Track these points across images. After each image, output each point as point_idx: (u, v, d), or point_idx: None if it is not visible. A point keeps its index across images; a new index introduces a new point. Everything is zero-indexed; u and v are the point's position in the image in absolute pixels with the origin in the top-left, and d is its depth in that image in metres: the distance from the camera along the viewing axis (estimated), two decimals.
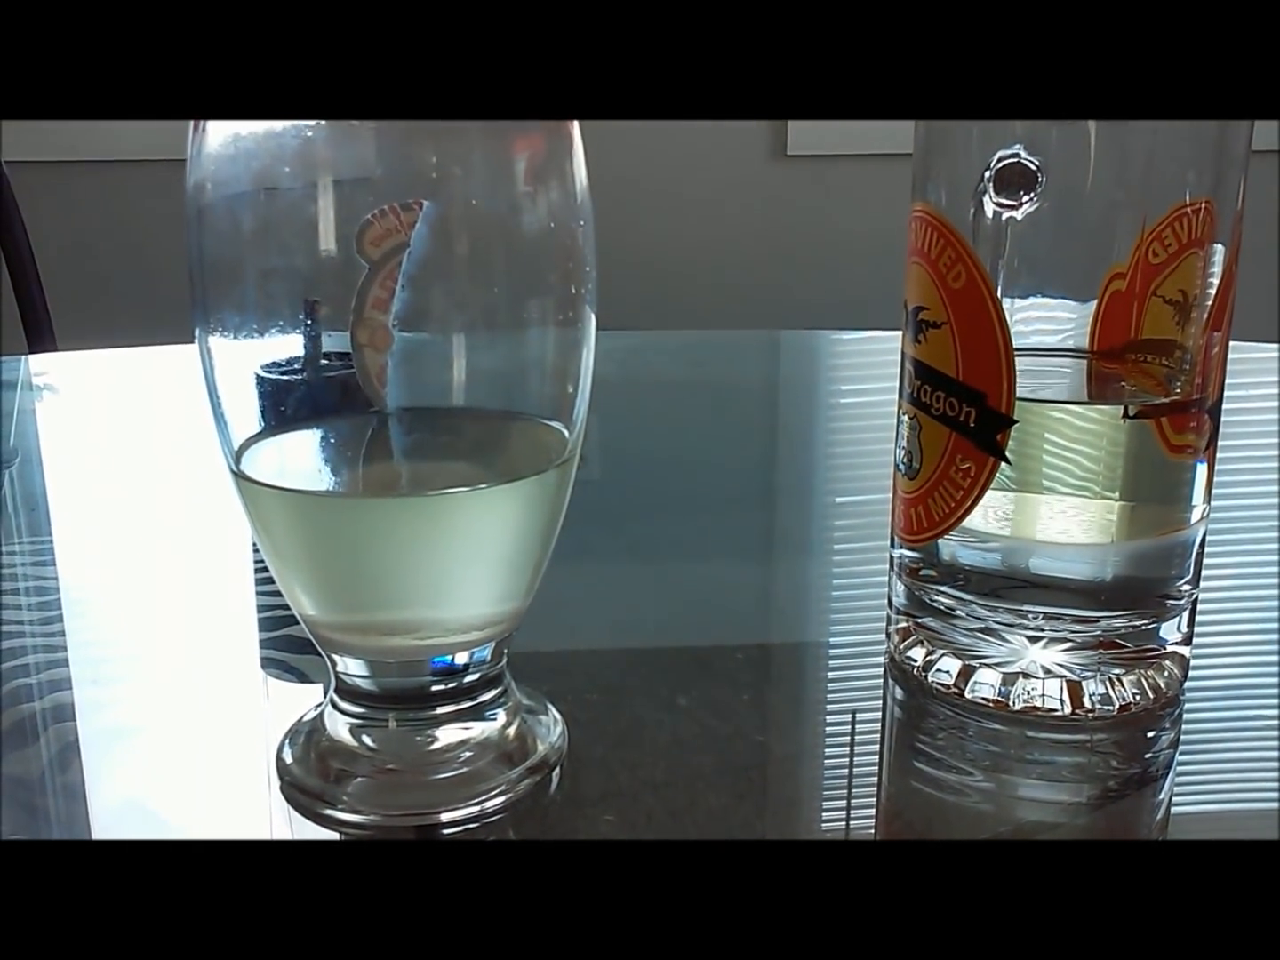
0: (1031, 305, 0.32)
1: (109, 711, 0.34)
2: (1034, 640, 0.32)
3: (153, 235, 1.47)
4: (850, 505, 0.55)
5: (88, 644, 0.39)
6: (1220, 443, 0.33)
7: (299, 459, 0.29)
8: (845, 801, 0.31)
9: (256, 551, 0.38)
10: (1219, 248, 0.31)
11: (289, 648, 0.37)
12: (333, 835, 0.28)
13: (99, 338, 0.79)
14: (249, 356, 0.28)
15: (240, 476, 0.28)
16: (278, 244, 0.27)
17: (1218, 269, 0.31)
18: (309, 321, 0.27)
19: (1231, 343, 0.32)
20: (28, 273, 1.14)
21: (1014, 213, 0.31)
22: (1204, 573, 0.34)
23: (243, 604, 0.42)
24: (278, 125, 0.26)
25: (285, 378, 0.28)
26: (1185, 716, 0.33)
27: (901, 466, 0.34)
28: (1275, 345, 0.76)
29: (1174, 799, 0.31)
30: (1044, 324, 0.32)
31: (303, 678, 0.36)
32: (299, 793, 0.29)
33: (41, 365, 0.77)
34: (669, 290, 1.79)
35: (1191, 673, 0.34)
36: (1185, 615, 0.33)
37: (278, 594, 0.30)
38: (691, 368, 0.83)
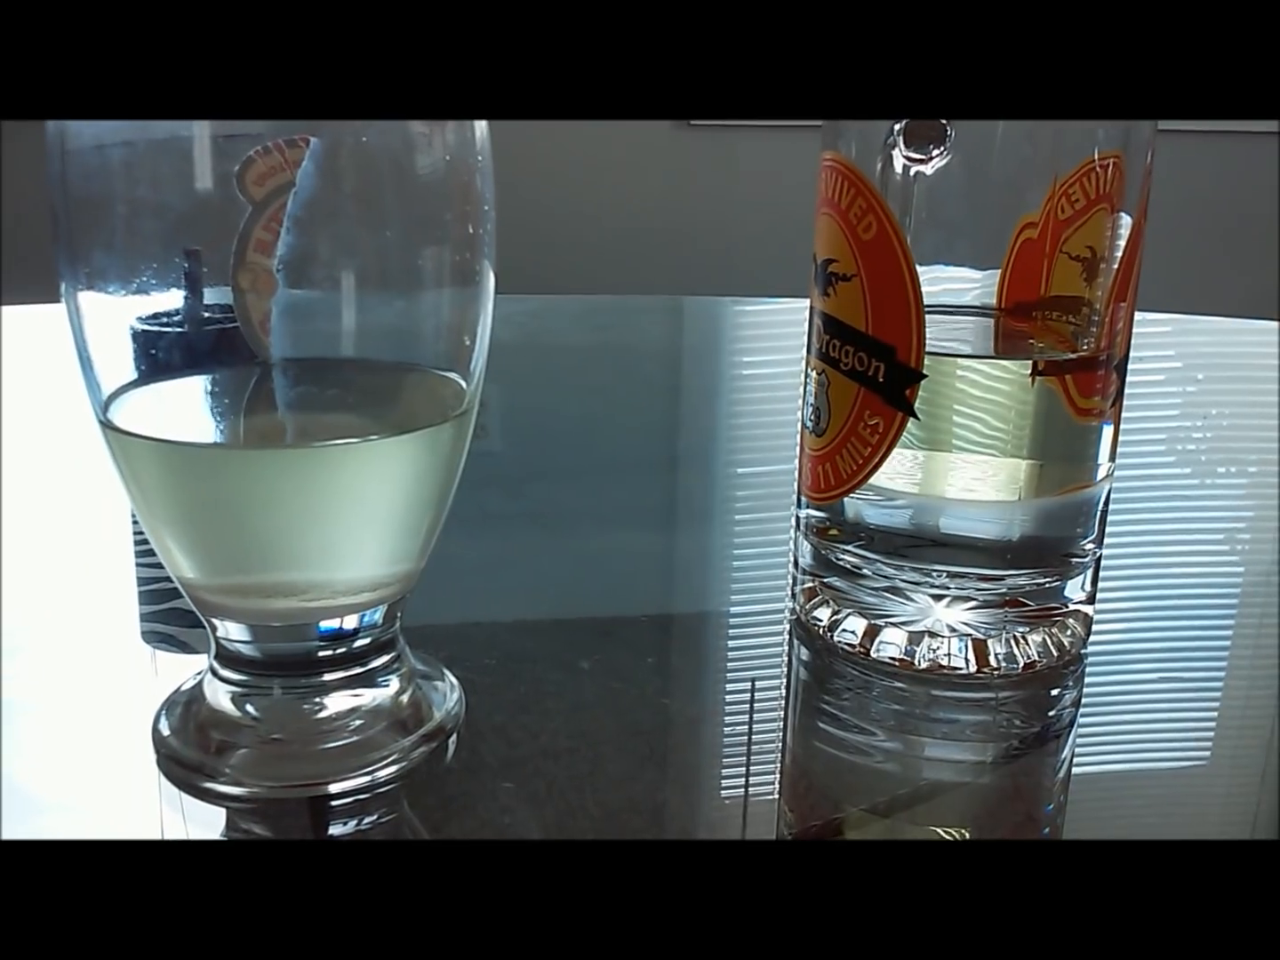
0: (940, 261, 0.31)
1: None
2: (939, 599, 0.32)
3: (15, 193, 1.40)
4: (751, 473, 0.54)
5: None
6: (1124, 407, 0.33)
7: (174, 409, 0.27)
8: (746, 763, 0.30)
9: (137, 521, 0.36)
10: (1125, 217, 0.31)
11: (173, 620, 0.35)
12: (215, 809, 0.27)
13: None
14: (118, 302, 0.26)
15: (108, 427, 0.26)
16: (151, 183, 0.25)
17: (1125, 233, 0.31)
18: (186, 267, 0.25)
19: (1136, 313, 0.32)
20: None
21: (923, 167, 0.31)
22: (1106, 533, 0.34)
23: (121, 573, 0.39)
24: None
25: (159, 324, 0.26)
26: (1087, 675, 0.33)
27: (809, 424, 0.33)
28: (1175, 315, 0.78)
29: (1075, 757, 0.31)
30: (953, 281, 0.32)
31: (189, 650, 0.34)
32: (177, 765, 0.27)
33: None
34: (571, 255, 1.77)
35: (1094, 631, 0.34)
36: (1089, 574, 0.33)
37: (160, 566, 0.28)
38: (594, 333, 0.82)
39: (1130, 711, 0.33)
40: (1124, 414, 0.33)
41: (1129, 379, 0.33)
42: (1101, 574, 0.34)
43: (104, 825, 0.27)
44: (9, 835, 0.26)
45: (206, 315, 0.26)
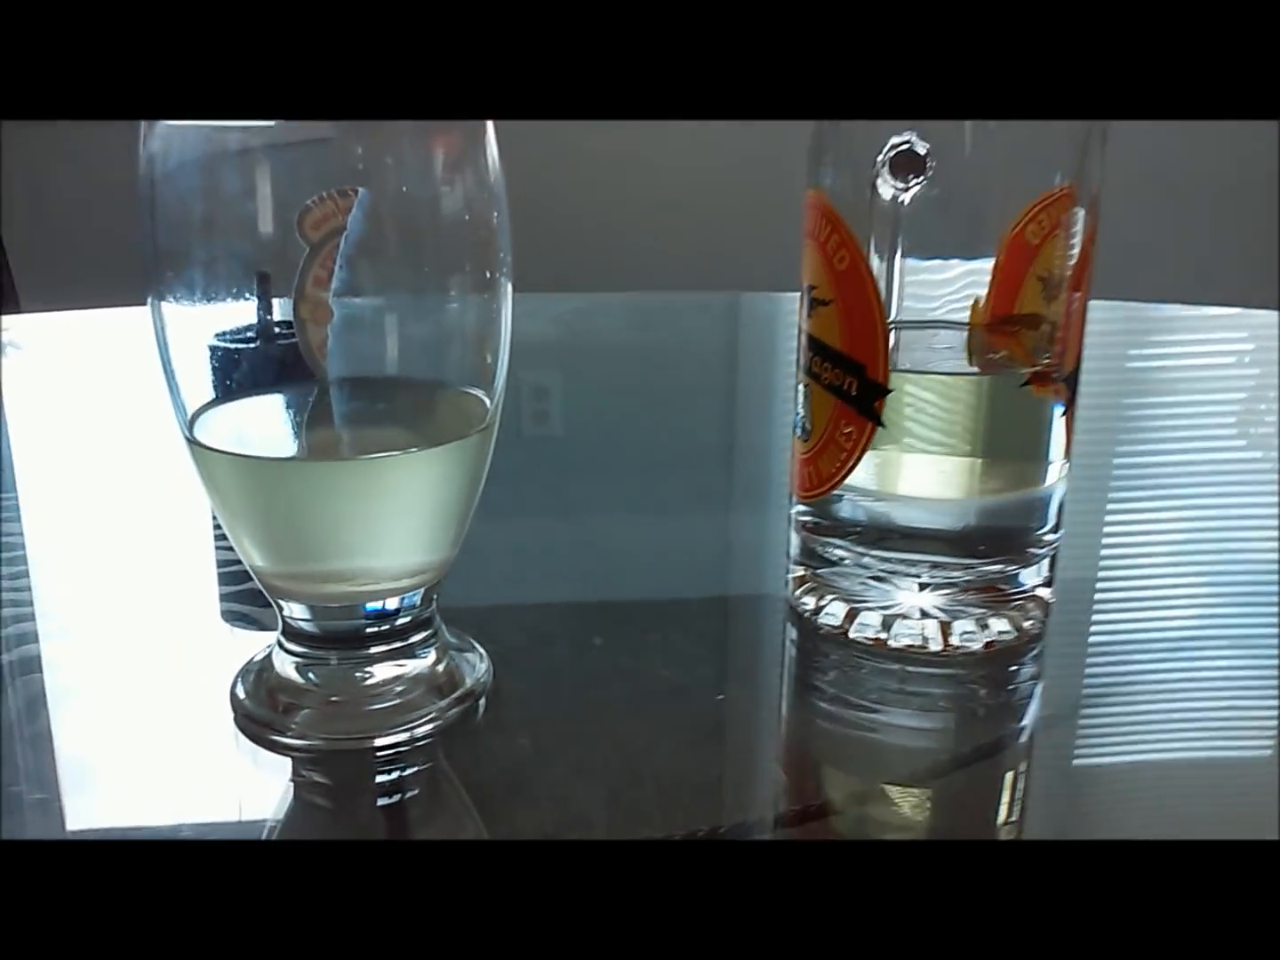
0: (915, 279, 0.35)
1: (76, 664, 0.37)
2: (911, 586, 0.36)
3: (113, 194, 1.46)
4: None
5: (54, 599, 0.42)
6: (1104, 400, 0.37)
7: (248, 426, 0.32)
8: (742, 730, 0.34)
9: (215, 517, 0.41)
10: (1080, 211, 0.34)
11: (247, 600, 0.40)
12: (282, 759, 0.32)
13: (63, 299, 0.79)
14: (199, 332, 0.30)
15: (194, 443, 0.31)
16: (225, 228, 0.30)
17: (1076, 253, 0.34)
18: (259, 296, 0.30)
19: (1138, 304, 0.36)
20: None
21: (905, 195, 0.34)
22: (1070, 521, 0.37)
23: (202, 560, 0.45)
24: None
25: (234, 350, 0.31)
26: (1047, 651, 0.37)
27: (798, 430, 0.37)
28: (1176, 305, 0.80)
29: (1036, 725, 0.35)
30: (920, 300, 0.35)
31: (260, 626, 0.39)
32: (251, 723, 0.33)
33: (6, 325, 0.79)
34: (620, 252, 1.80)
35: (1056, 612, 0.38)
36: (1046, 561, 0.37)
37: (236, 555, 0.33)
38: (647, 331, 0.85)
39: (1087, 684, 0.36)
40: (1125, 403, 0.37)
41: (1132, 373, 0.36)
42: (1064, 558, 0.38)
43: (188, 775, 0.32)
44: (105, 787, 0.31)
45: (276, 335, 0.31)
